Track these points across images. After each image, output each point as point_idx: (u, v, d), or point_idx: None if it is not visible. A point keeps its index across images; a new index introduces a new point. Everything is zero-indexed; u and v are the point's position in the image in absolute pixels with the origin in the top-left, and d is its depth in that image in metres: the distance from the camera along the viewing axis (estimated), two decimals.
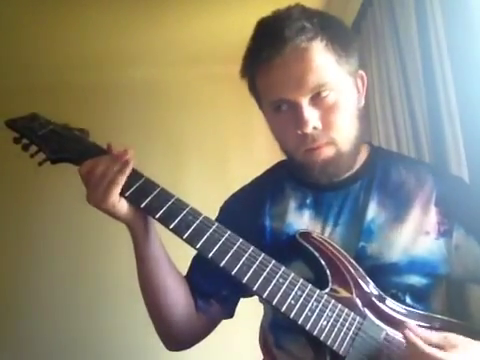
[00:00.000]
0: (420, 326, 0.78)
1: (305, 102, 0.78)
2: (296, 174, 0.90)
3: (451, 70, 1.18)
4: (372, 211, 0.84)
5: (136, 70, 2.62)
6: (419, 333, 0.70)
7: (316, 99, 0.79)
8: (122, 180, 0.76)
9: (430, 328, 0.78)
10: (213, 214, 0.96)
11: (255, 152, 2.50)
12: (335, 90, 0.79)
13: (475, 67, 1.12)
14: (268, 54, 0.78)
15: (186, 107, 2.70)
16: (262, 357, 0.95)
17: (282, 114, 0.82)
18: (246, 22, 0.85)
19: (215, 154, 2.66)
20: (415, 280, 0.81)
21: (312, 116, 0.78)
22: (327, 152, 0.81)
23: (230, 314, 0.96)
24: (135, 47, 2.50)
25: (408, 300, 0.81)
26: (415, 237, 0.82)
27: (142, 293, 0.88)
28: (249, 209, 0.92)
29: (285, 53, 0.77)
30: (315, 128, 0.79)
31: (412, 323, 0.76)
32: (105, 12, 2.20)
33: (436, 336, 0.70)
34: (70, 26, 2.29)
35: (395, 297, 0.80)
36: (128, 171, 0.77)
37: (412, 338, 0.69)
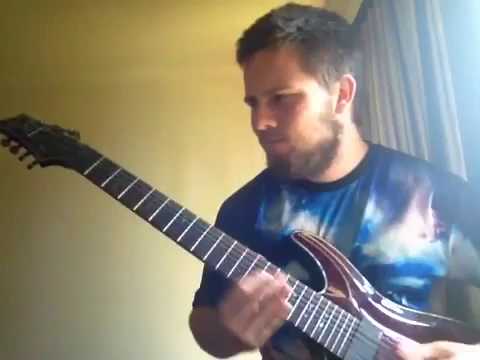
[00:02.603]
0: (416, 325, 0.78)
1: (263, 101, 0.82)
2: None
3: (451, 70, 1.17)
4: (370, 211, 0.84)
5: (138, 70, 2.63)
6: (410, 350, 0.70)
7: (275, 100, 0.81)
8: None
9: (427, 328, 0.78)
10: (213, 216, 0.96)
11: (256, 154, 2.49)
12: (295, 93, 0.80)
13: (475, 67, 1.11)
14: (242, 55, 0.85)
15: (188, 107, 2.71)
16: (261, 358, 0.95)
17: (252, 110, 0.87)
18: (249, 23, 0.86)
19: (216, 155, 2.67)
20: (411, 282, 0.81)
21: (266, 115, 0.82)
22: (279, 148, 0.83)
23: None
24: (137, 47, 2.50)
25: (404, 302, 0.81)
26: (411, 239, 0.81)
27: (201, 341, 0.93)
28: (244, 213, 0.92)
29: (254, 56, 0.82)
30: (268, 126, 0.82)
31: (405, 338, 0.76)
32: (107, 13, 2.21)
33: (427, 349, 0.70)
34: (73, 26, 2.30)
35: (390, 299, 0.80)
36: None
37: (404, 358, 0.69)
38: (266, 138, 0.85)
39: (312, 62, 0.80)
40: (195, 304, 1.02)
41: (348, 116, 0.87)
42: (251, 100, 0.86)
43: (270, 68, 0.80)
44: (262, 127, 0.82)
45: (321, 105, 0.81)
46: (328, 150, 0.84)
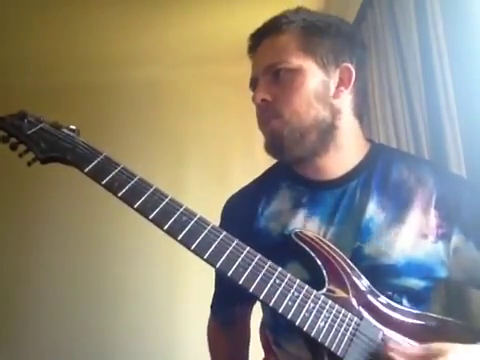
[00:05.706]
0: (416, 325, 0.78)
1: (262, 78, 0.86)
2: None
3: (451, 70, 1.18)
4: (371, 210, 0.83)
5: (138, 70, 2.63)
6: (401, 350, 0.71)
7: (274, 77, 0.85)
8: None
9: (427, 327, 0.78)
10: (214, 216, 0.96)
11: (257, 154, 2.48)
12: (293, 68, 0.83)
13: (475, 67, 1.11)
14: (251, 47, 0.90)
15: (188, 107, 2.71)
16: (263, 355, 0.95)
17: None
18: (250, 23, 0.88)
19: (216, 156, 2.67)
20: (413, 283, 0.80)
21: (263, 90, 0.85)
22: (274, 124, 0.85)
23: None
24: (137, 47, 2.51)
25: (405, 302, 0.81)
26: (413, 239, 0.81)
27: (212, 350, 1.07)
28: (244, 212, 0.92)
29: (261, 44, 0.88)
30: (264, 100, 0.84)
31: (398, 337, 0.77)
32: (108, 13, 2.22)
33: (417, 350, 0.71)
34: (73, 26, 2.31)
35: (391, 299, 0.79)
36: None
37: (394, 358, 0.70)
38: (263, 118, 0.87)
39: (312, 44, 0.84)
40: (211, 308, 1.06)
41: (348, 106, 0.87)
42: (254, 82, 0.89)
43: (272, 49, 0.85)
44: (258, 100, 0.85)
45: (318, 84, 0.84)
46: (325, 132, 0.85)
